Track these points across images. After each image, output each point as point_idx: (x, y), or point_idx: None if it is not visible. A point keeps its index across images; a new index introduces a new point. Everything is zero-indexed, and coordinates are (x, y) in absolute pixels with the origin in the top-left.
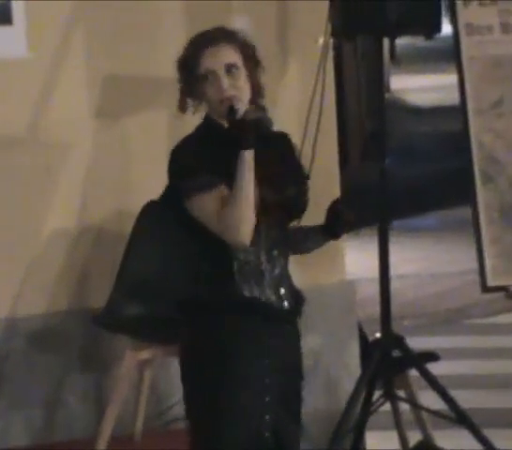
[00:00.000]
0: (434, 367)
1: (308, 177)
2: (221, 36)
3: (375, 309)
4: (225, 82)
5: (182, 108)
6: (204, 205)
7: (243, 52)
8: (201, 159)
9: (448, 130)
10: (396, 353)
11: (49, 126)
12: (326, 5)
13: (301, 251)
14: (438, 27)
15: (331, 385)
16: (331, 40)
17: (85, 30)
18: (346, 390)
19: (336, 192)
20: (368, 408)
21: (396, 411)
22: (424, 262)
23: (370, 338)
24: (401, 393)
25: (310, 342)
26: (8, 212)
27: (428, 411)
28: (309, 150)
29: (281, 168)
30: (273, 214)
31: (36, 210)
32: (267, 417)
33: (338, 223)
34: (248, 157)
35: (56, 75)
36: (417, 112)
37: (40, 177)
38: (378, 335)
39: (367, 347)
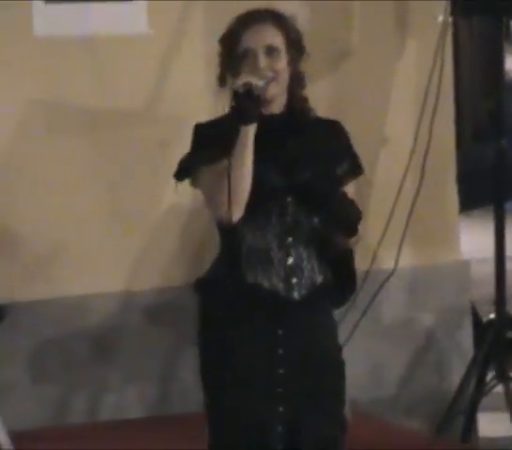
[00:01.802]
0: None
1: (359, 170)
2: (269, 16)
3: (486, 290)
4: (263, 61)
5: (221, 83)
6: (202, 179)
7: (288, 37)
8: (210, 135)
9: None
10: (510, 335)
11: (166, 101)
12: None
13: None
14: None
15: (443, 365)
16: (450, 19)
17: (204, 8)
18: (458, 370)
19: (452, 172)
20: (480, 389)
21: (508, 393)
22: None
23: (484, 319)
24: None
25: (423, 321)
26: (126, 187)
27: None
28: (426, 130)
29: (304, 153)
30: (280, 199)
31: (152, 185)
32: (281, 409)
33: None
34: (245, 132)
35: (174, 52)
36: None
37: (157, 152)
38: (492, 315)
39: (480, 327)
